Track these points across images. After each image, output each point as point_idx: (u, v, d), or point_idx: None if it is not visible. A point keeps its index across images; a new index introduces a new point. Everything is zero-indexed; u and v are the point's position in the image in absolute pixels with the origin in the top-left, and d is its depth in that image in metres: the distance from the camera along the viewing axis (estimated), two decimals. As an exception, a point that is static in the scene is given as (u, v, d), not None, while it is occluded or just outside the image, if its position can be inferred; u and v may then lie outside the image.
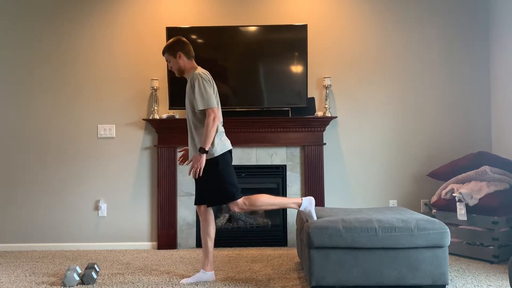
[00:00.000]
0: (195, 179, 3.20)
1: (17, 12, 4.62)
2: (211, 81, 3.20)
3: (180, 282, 3.25)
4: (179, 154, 3.44)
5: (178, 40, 3.29)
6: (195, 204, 3.33)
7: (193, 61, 3.28)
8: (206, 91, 3.10)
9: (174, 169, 4.47)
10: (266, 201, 3.17)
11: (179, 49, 3.23)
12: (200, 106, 3.08)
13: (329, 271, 2.89)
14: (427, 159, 4.57)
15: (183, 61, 3.23)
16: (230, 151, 3.23)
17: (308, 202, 3.15)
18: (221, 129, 3.22)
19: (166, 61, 3.31)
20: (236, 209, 3.16)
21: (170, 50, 3.25)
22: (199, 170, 3.05)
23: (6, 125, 4.59)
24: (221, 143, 3.16)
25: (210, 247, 3.28)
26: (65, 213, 4.55)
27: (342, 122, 4.60)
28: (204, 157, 3.05)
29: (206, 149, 3.05)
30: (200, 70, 3.21)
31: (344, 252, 2.90)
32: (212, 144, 3.10)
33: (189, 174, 3.11)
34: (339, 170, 4.59)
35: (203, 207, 3.29)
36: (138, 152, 4.56)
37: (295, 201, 3.18)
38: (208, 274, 3.28)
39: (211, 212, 3.31)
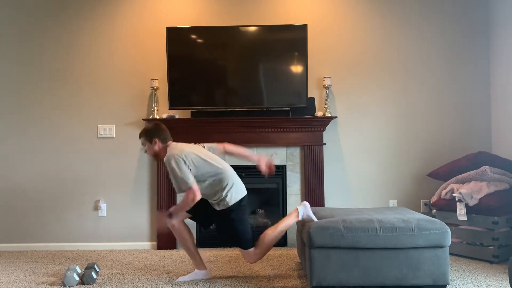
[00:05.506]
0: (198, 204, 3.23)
1: (16, 13, 4.61)
2: (183, 156, 3.13)
3: (176, 280, 3.28)
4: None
5: (155, 127, 3.35)
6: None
7: (169, 142, 3.29)
8: (181, 172, 3.08)
9: (174, 169, 4.46)
10: (272, 234, 3.22)
11: (155, 136, 3.27)
12: (183, 188, 3.11)
13: (330, 271, 2.88)
14: (427, 159, 4.57)
15: (158, 146, 3.28)
16: (242, 199, 3.25)
17: (303, 209, 3.20)
18: (232, 181, 3.21)
19: (142, 144, 3.36)
20: (250, 261, 3.24)
21: (146, 136, 3.30)
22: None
23: (6, 125, 4.58)
24: (234, 195, 3.19)
25: (192, 249, 3.33)
26: (65, 213, 4.54)
27: (342, 122, 4.60)
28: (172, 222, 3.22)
29: (173, 214, 3.20)
30: (171, 151, 3.18)
31: (345, 252, 2.89)
32: (226, 195, 3.16)
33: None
34: (339, 170, 4.59)
35: (181, 218, 3.32)
36: (138, 152, 4.56)
37: (293, 215, 3.24)
38: (203, 272, 3.32)
39: (182, 221, 3.35)
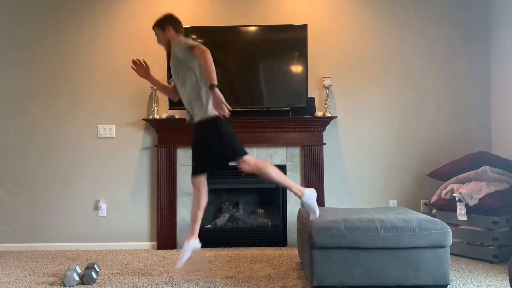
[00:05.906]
0: (195, 148, 3.26)
1: (15, 13, 4.60)
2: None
3: (175, 267, 3.28)
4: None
5: (169, 16, 3.36)
6: (194, 173, 3.26)
7: (180, 34, 3.32)
8: (187, 40, 3.18)
9: (174, 169, 4.47)
10: (275, 173, 3.16)
11: (168, 23, 3.30)
12: (190, 45, 3.10)
13: (331, 271, 2.88)
14: (427, 159, 4.57)
15: (171, 34, 3.29)
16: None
17: (311, 194, 3.13)
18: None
19: (156, 35, 3.35)
20: (246, 167, 3.13)
21: (160, 24, 3.32)
22: (224, 104, 3.03)
23: (6, 125, 4.58)
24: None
25: (199, 217, 3.27)
26: (65, 213, 4.54)
27: (342, 122, 4.60)
28: (218, 91, 3.03)
29: (215, 83, 3.04)
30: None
31: (346, 252, 2.89)
32: (207, 105, 3.12)
33: (223, 113, 3.05)
34: (339, 170, 4.59)
35: (202, 178, 3.26)
36: (138, 152, 4.56)
37: (299, 187, 3.17)
38: (191, 243, 3.23)
39: (205, 184, 3.28)
